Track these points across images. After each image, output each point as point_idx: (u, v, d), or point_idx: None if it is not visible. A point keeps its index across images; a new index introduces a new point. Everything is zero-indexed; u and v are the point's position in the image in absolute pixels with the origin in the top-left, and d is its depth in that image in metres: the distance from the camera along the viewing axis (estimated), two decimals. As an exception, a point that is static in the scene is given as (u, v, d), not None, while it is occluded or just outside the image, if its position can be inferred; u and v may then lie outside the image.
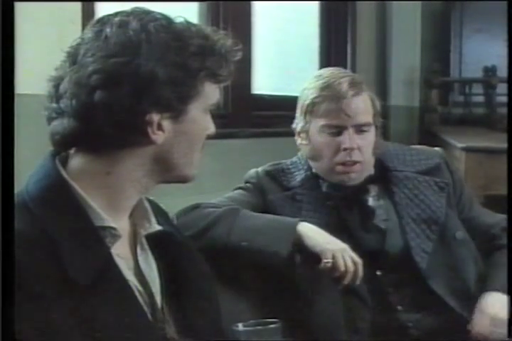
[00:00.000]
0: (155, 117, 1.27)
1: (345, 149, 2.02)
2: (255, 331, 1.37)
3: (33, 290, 1.17)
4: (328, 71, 2.12)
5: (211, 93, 1.33)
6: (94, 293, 1.21)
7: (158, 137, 1.29)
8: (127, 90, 1.24)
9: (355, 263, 1.88)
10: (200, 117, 1.33)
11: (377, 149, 2.11)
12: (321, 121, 2.04)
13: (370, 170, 2.12)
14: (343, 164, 2.04)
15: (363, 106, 2.05)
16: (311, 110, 2.06)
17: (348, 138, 2.02)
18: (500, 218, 2.16)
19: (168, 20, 1.30)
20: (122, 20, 1.28)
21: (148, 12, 1.31)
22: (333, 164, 2.05)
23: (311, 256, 1.91)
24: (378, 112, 2.11)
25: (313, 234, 1.93)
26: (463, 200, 2.19)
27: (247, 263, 1.95)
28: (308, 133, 2.09)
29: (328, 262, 1.87)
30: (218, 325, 1.48)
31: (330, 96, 2.02)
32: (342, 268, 1.87)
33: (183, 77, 1.27)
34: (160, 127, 1.28)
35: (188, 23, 1.32)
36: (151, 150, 1.30)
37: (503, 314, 1.88)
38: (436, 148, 2.29)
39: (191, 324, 1.40)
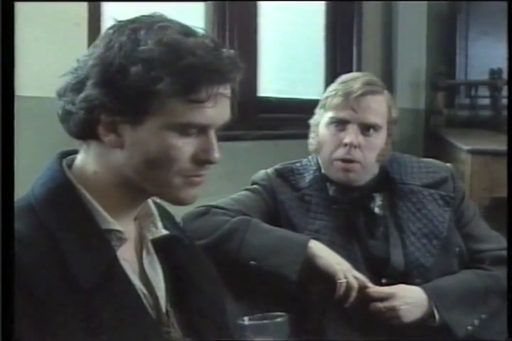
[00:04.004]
0: (104, 117, 1.26)
1: (345, 145, 2.01)
2: (262, 325, 1.34)
3: (37, 292, 1.17)
4: (355, 73, 2.18)
5: (179, 112, 1.25)
6: (99, 296, 1.21)
7: (111, 139, 1.27)
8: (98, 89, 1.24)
9: (358, 282, 1.92)
10: (158, 132, 1.26)
11: (383, 156, 2.09)
12: (330, 114, 2.05)
13: (372, 174, 2.10)
14: (342, 160, 2.03)
15: (374, 106, 2.04)
16: (324, 104, 2.08)
17: (350, 134, 2.01)
18: (494, 245, 2.14)
19: (172, 32, 1.27)
20: (134, 28, 1.27)
21: (160, 21, 1.29)
22: (332, 159, 2.05)
23: (321, 276, 1.92)
24: (394, 120, 2.09)
25: (324, 254, 1.94)
26: (464, 219, 2.17)
27: (256, 280, 1.95)
28: (318, 126, 2.10)
29: (342, 282, 1.89)
30: (225, 328, 1.48)
31: (342, 90, 2.03)
32: (353, 288, 1.90)
33: (139, 87, 1.23)
34: (113, 129, 1.27)
35: (199, 37, 1.28)
36: (120, 155, 1.29)
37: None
38: (447, 164, 2.27)
39: (198, 327, 1.40)
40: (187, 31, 1.28)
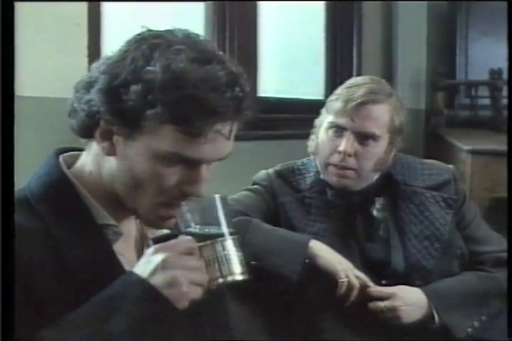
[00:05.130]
0: (102, 124, 1.25)
1: (339, 152, 2.00)
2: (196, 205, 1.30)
3: (32, 286, 1.18)
4: (365, 77, 2.14)
5: (168, 140, 1.22)
6: (95, 289, 1.20)
7: (105, 147, 1.27)
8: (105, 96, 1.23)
9: (360, 281, 1.93)
10: (146, 154, 1.24)
11: (382, 165, 2.07)
12: (330, 118, 2.04)
13: (370, 180, 2.09)
14: (336, 166, 2.03)
15: (374, 116, 2.01)
16: (327, 106, 2.07)
17: (346, 142, 2.00)
18: (495, 247, 2.14)
19: (185, 58, 1.22)
20: (153, 45, 1.23)
21: (178, 43, 1.24)
22: (327, 163, 2.04)
23: (322, 275, 1.92)
24: (396, 129, 2.06)
25: (324, 253, 1.94)
26: (465, 221, 2.16)
27: (256, 280, 1.94)
28: (320, 128, 2.09)
29: (343, 281, 1.90)
30: (225, 327, 1.49)
31: (344, 96, 2.01)
32: (355, 287, 1.90)
33: (133, 107, 1.21)
34: (108, 137, 1.26)
35: (218, 66, 1.23)
36: (112, 163, 1.28)
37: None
38: (449, 165, 2.25)
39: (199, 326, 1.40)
40: (204, 58, 1.23)
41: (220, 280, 1.22)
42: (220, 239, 1.23)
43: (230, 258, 1.23)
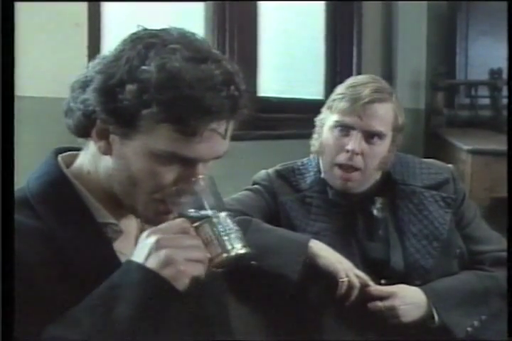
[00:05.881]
0: (98, 123, 1.26)
1: (347, 151, 2.00)
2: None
3: (32, 285, 1.18)
4: (365, 76, 2.14)
5: (165, 139, 1.23)
6: (96, 287, 1.20)
7: (101, 146, 1.27)
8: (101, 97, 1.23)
9: (360, 280, 1.93)
10: (142, 153, 1.25)
11: (385, 164, 2.07)
12: (335, 117, 2.04)
13: (373, 180, 2.09)
14: (342, 168, 2.02)
15: (380, 114, 2.01)
16: (330, 105, 2.06)
17: (353, 141, 2.00)
18: (494, 247, 2.14)
19: (181, 57, 1.22)
20: (148, 44, 1.24)
21: (173, 43, 1.24)
22: (333, 164, 2.04)
23: (322, 275, 1.92)
24: (399, 127, 2.07)
25: (324, 253, 1.94)
26: (464, 220, 2.16)
27: (257, 280, 1.95)
28: (322, 127, 2.09)
29: (343, 281, 1.90)
30: (226, 327, 1.49)
31: (350, 95, 2.01)
32: (355, 287, 1.90)
33: (129, 106, 1.21)
34: (105, 137, 1.26)
35: (214, 65, 1.23)
36: (109, 162, 1.29)
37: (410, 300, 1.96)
38: (448, 165, 2.25)
39: (198, 324, 1.40)
40: (200, 57, 1.23)
41: (224, 255, 1.22)
42: (214, 216, 1.24)
43: (229, 233, 1.24)
